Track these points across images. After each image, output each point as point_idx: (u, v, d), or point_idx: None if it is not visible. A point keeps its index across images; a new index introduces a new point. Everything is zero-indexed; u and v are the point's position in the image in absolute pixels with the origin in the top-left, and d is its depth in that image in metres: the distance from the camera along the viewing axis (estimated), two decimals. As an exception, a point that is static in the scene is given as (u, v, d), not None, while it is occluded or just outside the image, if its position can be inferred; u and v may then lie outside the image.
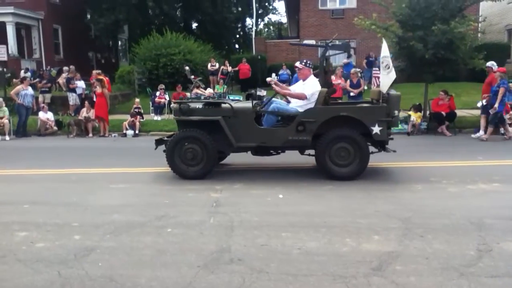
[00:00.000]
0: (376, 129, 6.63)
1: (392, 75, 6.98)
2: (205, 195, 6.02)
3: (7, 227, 4.82)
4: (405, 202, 5.55)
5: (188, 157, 7.02)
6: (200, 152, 6.98)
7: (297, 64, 7.33)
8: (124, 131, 13.41)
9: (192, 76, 19.02)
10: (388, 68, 7.02)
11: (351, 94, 13.40)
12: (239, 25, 38.40)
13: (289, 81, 21.14)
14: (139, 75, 21.27)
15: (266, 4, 40.18)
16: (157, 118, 15.37)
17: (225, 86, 17.67)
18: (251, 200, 5.78)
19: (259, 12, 36.85)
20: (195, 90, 18.00)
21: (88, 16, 28.38)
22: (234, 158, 8.13)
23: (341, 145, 6.71)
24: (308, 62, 7.28)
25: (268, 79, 7.76)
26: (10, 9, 23.30)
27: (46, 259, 3.94)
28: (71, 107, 15.98)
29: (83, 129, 13.60)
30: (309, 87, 6.95)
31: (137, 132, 13.39)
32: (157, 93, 16.28)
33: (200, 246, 4.19)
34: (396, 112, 6.78)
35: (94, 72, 16.42)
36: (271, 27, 50.28)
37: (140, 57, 21.61)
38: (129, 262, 3.87)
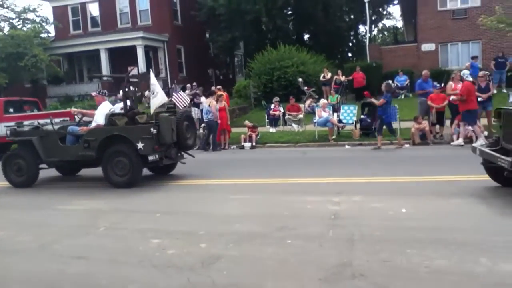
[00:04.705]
0: (140, 145, 7.91)
1: (158, 100, 8.51)
2: (324, 207, 5.98)
3: (143, 234, 5.28)
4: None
5: (14, 169, 8.87)
6: (24, 165, 8.80)
7: (92, 93, 9.49)
8: (242, 143, 13.93)
9: (306, 88, 19.31)
10: (153, 93, 8.50)
11: (479, 99, 12.31)
12: (352, 33, 37.76)
13: (407, 88, 20.29)
14: (255, 88, 22.00)
15: (380, 9, 38.95)
16: (273, 130, 15.72)
17: (338, 96, 17.51)
18: (371, 213, 5.60)
19: (373, 18, 35.81)
20: (308, 101, 18.15)
21: (207, 36, 30.17)
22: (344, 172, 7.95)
23: (119, 158, 8.08)
24: (102, 91, 9.34)
25: (73, 109, 10.00)
26: (140, 34, 25.73)
27: (176, 265, 4.22)
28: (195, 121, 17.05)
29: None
30: (98, 111, 8.64)
31: (254, 144, 13.82)
32: (272, 106, 16.67)
33: (321, 259, 4.16)
34: (153, 129, 7.86)
35: (213, 88, 17.37)
36: (386, 32, 48.66)
37: (255, 71, 22.37)
38: (252, 271, 3.99)
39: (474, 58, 18.82)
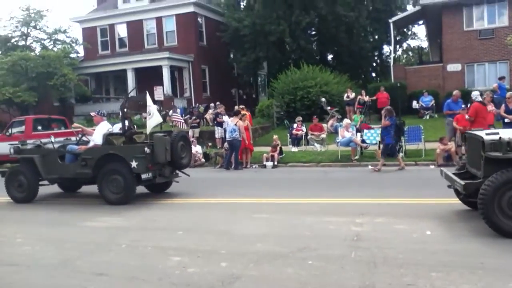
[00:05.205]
0: (134, 164, 8.15)
1: (153, 121, 8.86)
2: (346, 228, 5.89)
3: (164, 252, 5.29)
4: None
5: (15, 185, 9.21)
6: (25, 181, 9.13)
7: (91, 113, 9.83)
8: (264, 163, 13.91)
9: (329, 107, 19.29)
10: (150, 114, 8.78)
11: (506, 120, 12.03)
12: (376, 53, 37.63)
13: (433, 108, 20.02)
14: (278, 108, 22.06)
15: (405, 30, 38.80)
16: (295, 149, 15.68)
17: (362, 116, 17.40)
18: (395, 235, 5.49)
19: (397, 38, 35.70)
20: (331, 121, 18.08)
21: (231, 56, 30.56)
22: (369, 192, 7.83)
23: (113, 177, 8.34)
24: (101, 112, 9.58)
25: (74, 124, 10.43)
26: (166, 54, 26.27)
27: (196, 284, 4.21)
28: (218, 140, 17.16)
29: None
30: (96, 131, 8.94)
31: (275, 163, 13.79)
32: (295, 125, 16.67)
33: (342, 281, 4.08)
34: (146, 149, 8.11)
35: (237, 107, 17.50)
36: (410, 52, 48.34)
37: (278, 91, 22.49)
38: (272, 292, 3.93)
39: (501, 78, 18.48)
